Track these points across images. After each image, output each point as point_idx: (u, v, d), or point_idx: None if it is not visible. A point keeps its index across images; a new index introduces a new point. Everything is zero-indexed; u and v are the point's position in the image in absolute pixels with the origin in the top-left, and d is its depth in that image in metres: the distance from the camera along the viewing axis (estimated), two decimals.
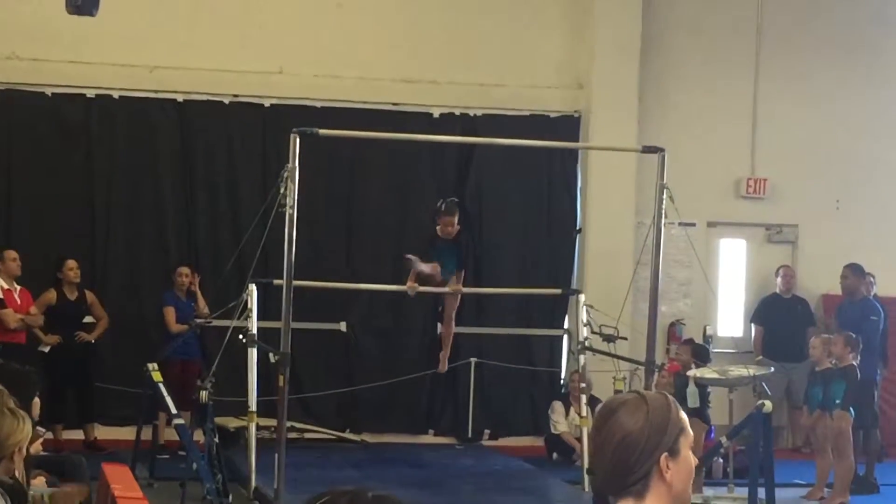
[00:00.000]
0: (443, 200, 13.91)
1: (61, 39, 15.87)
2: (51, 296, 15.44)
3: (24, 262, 15.23)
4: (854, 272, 16.25)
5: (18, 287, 15.28)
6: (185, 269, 15.81)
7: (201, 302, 15.64)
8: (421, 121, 16.72)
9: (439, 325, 16.67)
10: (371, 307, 16.80)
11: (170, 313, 15.62)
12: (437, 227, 13.76)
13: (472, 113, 17.11)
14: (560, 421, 16.43)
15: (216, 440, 12.71)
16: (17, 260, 15.19)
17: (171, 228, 16.54)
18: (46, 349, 15.28)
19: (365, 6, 17.09)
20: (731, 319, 18.26)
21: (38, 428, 8.72)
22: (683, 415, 3.54)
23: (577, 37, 17.43)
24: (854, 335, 14.38)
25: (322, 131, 12.85)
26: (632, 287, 14.78)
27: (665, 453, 3.44)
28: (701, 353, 14.93)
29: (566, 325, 16.89)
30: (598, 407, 3.69)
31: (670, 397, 3.58)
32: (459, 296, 14.35)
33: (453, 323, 14.49)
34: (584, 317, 14.55)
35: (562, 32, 17.47)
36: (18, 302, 15.17)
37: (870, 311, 16.05)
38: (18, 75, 16.09)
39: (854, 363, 14.14)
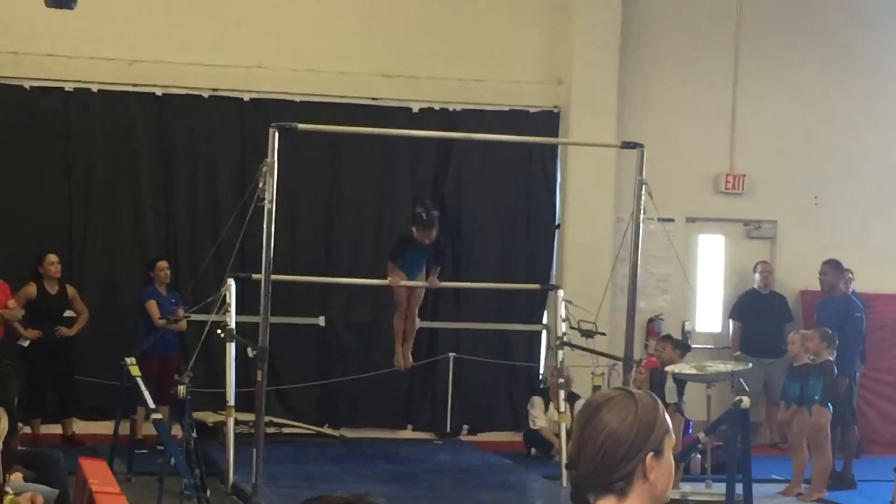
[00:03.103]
0: (423, 210, 13.80)
1: (40, 32, 15.81)
2: (31, 290, 15.34)
3: (3, 256, 15.13)
4: (833, 268, 16.25)
5: None
6: (164, 263, 15.76)
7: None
8: (400, 115, 16.71)
9: (417, 320, 16.68)
10: (350, 302, 16.76)
11: (153, 307, 15.54)
12: (413, 230, 13.72)
13: (451, 108, 17.10)
14: (539, 416, 16.43)
15: (194, 435, 12.67)
16: None
17: (150, 222, 16.48)
18: (26, 343, 15.19)
19: (344, 0, 17.07)
20: (709, 315, 18.27)
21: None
22: (668, 416, 3.53)
23: (556, 32, 17.43)
24: (830, 331, 14.41)
25: (301, 126, 12.79)
26: (610, 283, 14.79)
27: (651, 453, 3.42)
28: (683, 348, 14.97)
29: (545, 321, 16.90)
30: (583, 402, 3.64)
31: (656, 397, 3.56)
32: (423, 295, 14.30)
33: (417, 320, 14.42)
34: (562, 312, 14.52)
35: (541, 27, 17.47)
36: None
37: (852, 307, 16.06)
38: None
39: (830, 359, 14.18)
